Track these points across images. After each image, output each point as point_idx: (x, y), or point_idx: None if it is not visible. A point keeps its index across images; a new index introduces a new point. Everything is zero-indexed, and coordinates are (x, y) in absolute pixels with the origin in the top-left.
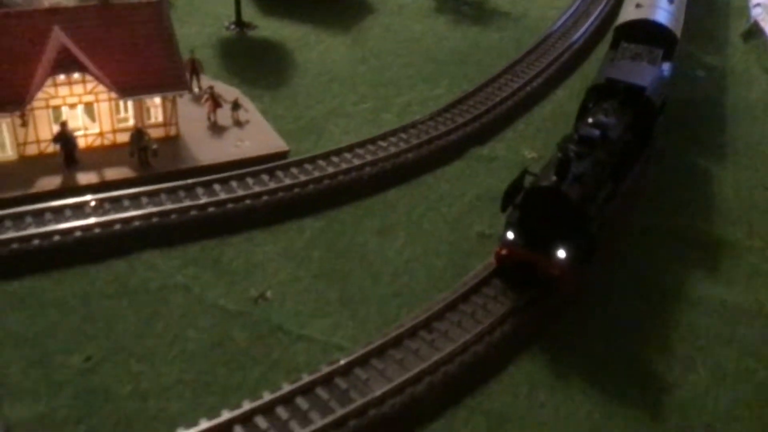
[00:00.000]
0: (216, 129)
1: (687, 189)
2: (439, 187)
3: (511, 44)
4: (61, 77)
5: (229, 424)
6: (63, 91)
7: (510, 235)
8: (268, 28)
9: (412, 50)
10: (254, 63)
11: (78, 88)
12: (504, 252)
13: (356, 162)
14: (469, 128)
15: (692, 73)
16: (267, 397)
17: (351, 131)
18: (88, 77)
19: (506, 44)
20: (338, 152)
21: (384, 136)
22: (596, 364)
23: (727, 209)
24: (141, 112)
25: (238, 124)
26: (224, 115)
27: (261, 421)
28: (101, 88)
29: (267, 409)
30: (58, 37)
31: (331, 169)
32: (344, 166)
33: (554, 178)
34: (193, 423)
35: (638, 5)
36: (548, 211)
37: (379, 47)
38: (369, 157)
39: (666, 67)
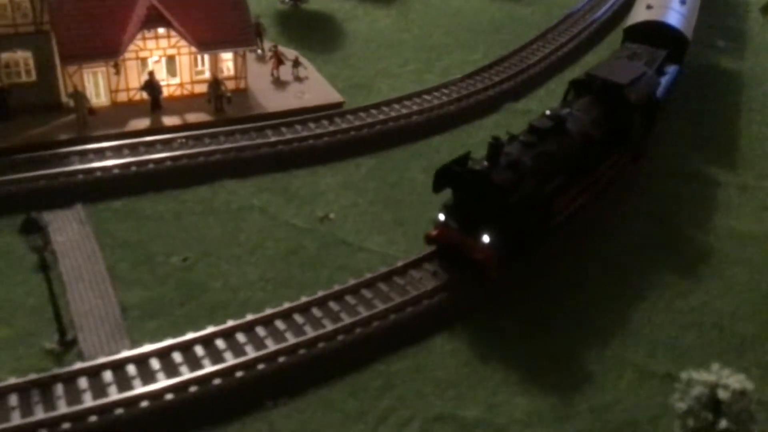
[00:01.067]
0: (279, 83)
1: (706, 138)
2: (477, 135)
3: (542, 17)
4: (149, 32)
5: (307, 306)
6: (150, 44)
7: (442, 216)
8: (319, 2)
9: (450, 22)
10: (308, 32)
11: (163, 42)
12: (434, 233)
13: (404, 111)
14: (504, 86)
15: (714, 41)
16: (337, 287)
17: (397, 88)
18: (172, 32)
19: (537, 17)
20: (388, 103)
21: (428, 91)
22: (618, 272)
23: (741, 156)
24: (215, 65)
25: (298, 79)
26: (285, 72)
27: (334, 305)
28: (183, 42)
29: (338, 296)
30: None
31: (381, 117)
32: (393, 114)
33: (485, 163)
34: (278, 306)
35: (649, 6)
36: (476, 196)
37: (420, 19)
38: (415, 108)
39: (671, 69)
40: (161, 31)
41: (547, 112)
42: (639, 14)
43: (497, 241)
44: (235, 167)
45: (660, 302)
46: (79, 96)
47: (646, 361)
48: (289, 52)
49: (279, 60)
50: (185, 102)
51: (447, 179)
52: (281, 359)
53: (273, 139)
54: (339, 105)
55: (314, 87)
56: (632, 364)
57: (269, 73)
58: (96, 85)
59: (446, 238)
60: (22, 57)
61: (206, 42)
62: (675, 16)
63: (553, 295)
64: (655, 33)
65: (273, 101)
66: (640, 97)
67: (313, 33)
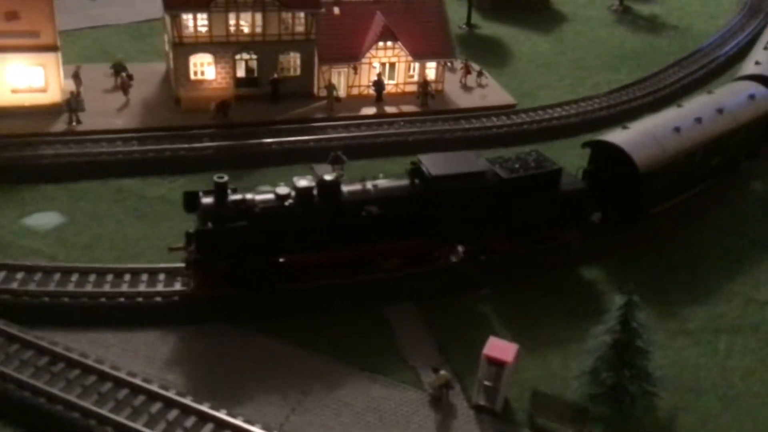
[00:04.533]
0: (465, 88)
1: None
2: None
3: (678, 48)
4: (380, 44)
5: None
6: (380, 53)
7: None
8: (489, 28)
9: (598, 48)
10: (481, 52)
11: (389, 52)
12: (180, 246)
13: (563, 113)
14: (645, 99)
15: None
16: None
17: (556, 97)
18: (396, 45)
19: (673, 48)
20: (551, 106)
21: (583, 100)
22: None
23: None
24: (423, 71)
25: (480, 86)
26: (470, 80)
27: None
28: (401, 53)
29: None
30: (380, 18)
31: (546, 116)
32: (556, 114)
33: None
34: None
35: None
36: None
37: (573, 44)
38: (573, 111)
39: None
40: (389, 43)
41: (327, 177)
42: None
43: (204, 261)
44: (438, 145)
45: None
46: (331, 88)
47: (751, 291)
48: (474, 66)
49: (468, 70)
50: (399, 98)
51: (190, 202)
52: None
53: (466, 126)
54: (513, 106)
55: (493, 92)
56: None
57: (458, 80)
58: (338, 81)
59: (184, 250)
60: (293, 57)
61: (419, 53)
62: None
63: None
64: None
65: (464, 100)
66: (447, 193)
67: (486, 52)
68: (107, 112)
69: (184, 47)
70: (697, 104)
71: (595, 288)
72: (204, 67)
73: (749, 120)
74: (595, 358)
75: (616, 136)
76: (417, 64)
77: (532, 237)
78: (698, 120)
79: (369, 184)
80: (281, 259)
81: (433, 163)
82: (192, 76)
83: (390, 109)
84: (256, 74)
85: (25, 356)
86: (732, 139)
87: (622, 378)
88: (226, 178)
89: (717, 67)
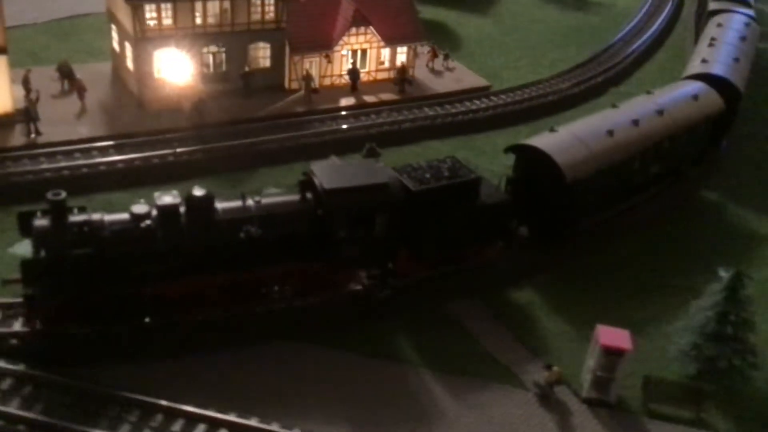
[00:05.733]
0: (435, 72)
1: None
2: (597, 110)
3: (611, 24)
4: (352, 30)
5: None
6: (351, 40)
7: None
8: (429, 12)
9: (538, 28)
10: (430, 36)
11: (360, 38)
12: None
13: (535, 93)
14: (609, 74)
15: None
16: None
17: (521, 77)
18: (368, 30)
19: (607, 24)
20: (526, 86)
21: (548, 78)
22: None
23: None
24: (394, 57)
25: (449, 69)
26: (437, 64)
27: None
28: (372, 39)
29: None
30: (348, 2)
31: (526, 96)
32: (534, 94)
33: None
34: None
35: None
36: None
37: (514, 25)
38: (549, 90)
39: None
40: (361, 28)
41: (197, 193)
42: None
43: (43, 294)
44: (432, 131)
45: None
46: (308, 79)
47: None
48: (440, 49)
49: (434, 54)
50: (372, 86)
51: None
52: None
53: (454, 110)
54: (487, 88)
55: (464, 76)
56: None
57: (425, 64)
58: (311, 72)
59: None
60: (263, 48)
61: (390, 38)
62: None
63: None
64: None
65: (439, 85)
66: (344, 208)
67: (435, 36)
68: (66, 120)
69: (148, 42)
70: (635, 105)
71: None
72: (170, 63)
73: (693, 123)
74: (697, 335)
75: (541, 139)
76: (388, 50)
77: (447, 257)
78: (635, 122)
79: (250, 200)
80: (148, 290)
81: (328, 175)
82: (157, 74)
83: (369, 98)
84: (224, 68)
85: None
86: (673, 144)
87: (727, 353)
88: (63, 194)
89: (660, 36)
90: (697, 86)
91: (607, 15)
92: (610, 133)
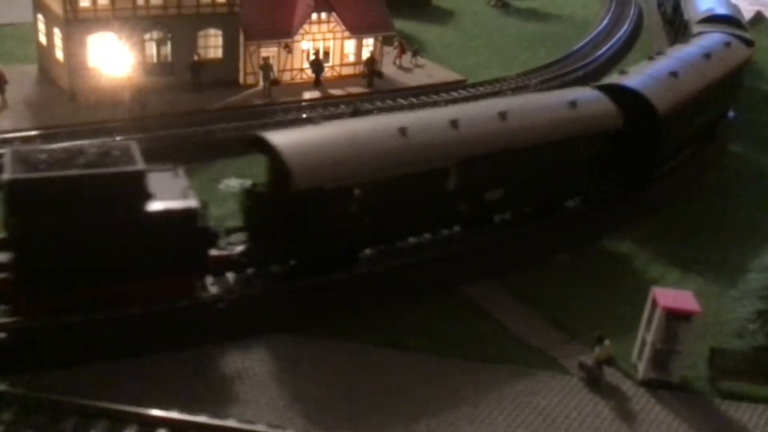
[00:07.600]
0: (403, 69)
1: None
2: None
3: (573, 32)
4: (314, 17)
5: None
6: (313, 29)
7: None
8: None
9: (503, 35)
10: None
11: (323, 27)
12: None
13: (519, 85)
14: (579, 72)
15: None
16: None
17: (496, 74)
18: (331, 18)
19: (569, 32)
20: (499, 80)
21: (520, 75)
22: None
23: None
24: (359, 49)
25: (418, 66)
26: (405, 60)
27: None
28: (337, 28)
29: None
30: None
31: (504, 87)
32: (512, 86)
33: None
34: None
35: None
36: None
37: (477, 33)
38: (526, 83)
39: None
40: (323, 16)
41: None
42: None
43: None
44: None
45: None
46: (267, 69)
47: None
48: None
49: (402, 50)
50: (336, 82)
51: None
52: None
53: (430, 101)
54: (462, 81)
55: (435, 70)
56: None
57: (392, 61)
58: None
59: None
60: (214, 35)
61: (355, 27)
62: None
63: None
64: None
65: (409, 79)
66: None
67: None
68: None
69: (80, 24)
70: (480, 107)
71: None
72: (106, 51)
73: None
74: (763, 300)
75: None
76: (354, 41)
77: (75, 297)
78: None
79: None
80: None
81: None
82: (91, 63)
83: (336, 92)
84: (170, 58)
85: None
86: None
87: None
88: None
89: (627, 40)
90: (588, 93)
91: (568, 25)
92: (404, 131)
